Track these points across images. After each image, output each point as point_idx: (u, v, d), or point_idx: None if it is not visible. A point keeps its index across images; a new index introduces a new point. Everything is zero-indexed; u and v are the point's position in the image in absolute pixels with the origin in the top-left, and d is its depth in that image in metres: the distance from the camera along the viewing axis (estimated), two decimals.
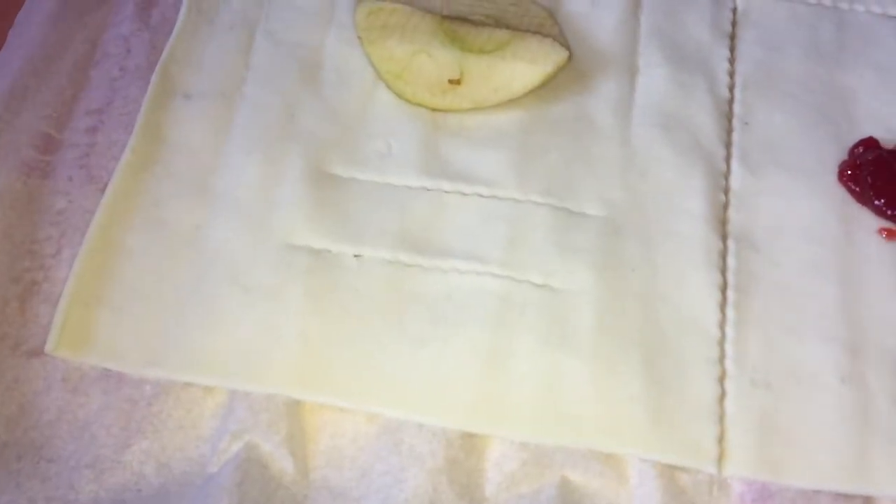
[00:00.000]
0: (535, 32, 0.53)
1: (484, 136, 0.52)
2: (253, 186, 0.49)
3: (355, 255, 0.48)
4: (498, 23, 0.54)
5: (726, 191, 0.50)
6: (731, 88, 0.54)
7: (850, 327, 0.45)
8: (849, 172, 0.49)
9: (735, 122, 0.53)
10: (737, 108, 0.53)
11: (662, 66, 0.54)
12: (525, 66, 0.51)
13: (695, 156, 0.51)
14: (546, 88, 0.53)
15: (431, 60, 0.52)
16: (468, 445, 0.44)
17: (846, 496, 0.42)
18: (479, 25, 0.53)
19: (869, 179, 0.48)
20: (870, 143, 0.50)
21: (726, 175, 0.51)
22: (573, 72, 0.54)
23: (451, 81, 0.52)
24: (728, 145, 0.52)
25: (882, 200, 0.48)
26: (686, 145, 0.51)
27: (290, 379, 0.44)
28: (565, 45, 0.53)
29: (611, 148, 0.51)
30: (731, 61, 0.55)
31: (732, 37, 0.56)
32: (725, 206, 0.50)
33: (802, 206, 0.49)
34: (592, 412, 0.43)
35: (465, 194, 0.50)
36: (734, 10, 0.57)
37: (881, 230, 0.48)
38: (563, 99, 0.53)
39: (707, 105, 0.53)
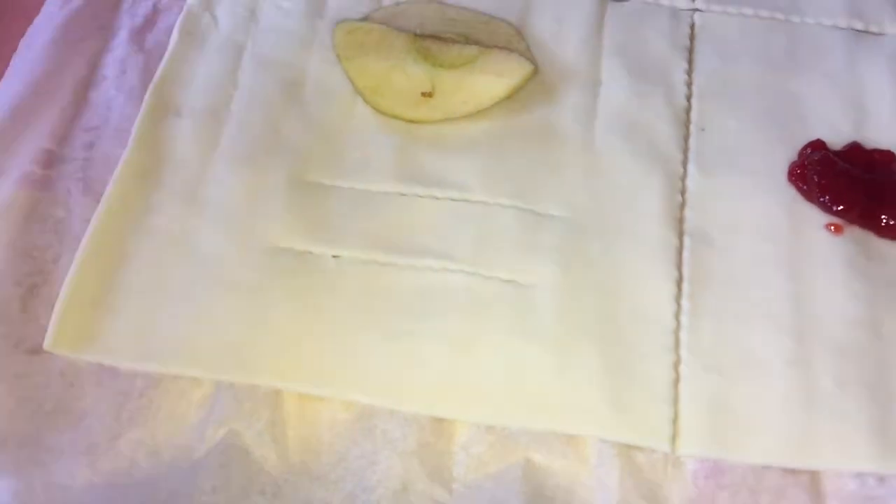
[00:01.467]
0: (503, 48, 0.57)
1: (455, 145, 0.55)
2: (239, 195, 0.53)
3: (334, 256, 0.51)
4: (468, 40, 0.57)
5: (683, 192, 0.53)
6: (689, 97, 0.57)
7: (797, 316, 0.48)
8: (798, 172, 0.52)
9: (692, 129, 0.56)
10: (693, 115, 0.56)
11: (624, 78, 0.58)
12: (492, 79, 0.55)
13: (653, 160, 0.54)
14: (514, 100, 0.56)
15: (405, 75, 0.55)
16: (438, 430, 0.46)
17: (793, 471, 0.45)
18: (449, 42, 0.57)
19: (816, 178, 0.51)
20: (817, 145, 0.53)
21: (683, 178, 0.54)
22: (540, 84, 0.57)
23: (423, 94, 0.55)
24: (685, 150, 0.55)
25: (827, 197, 0.51)
26: (645, 151, 0.55)
27: (271, 370, 0.47)
28: (531, 59, 0.57)
29: (574, 154, 0.55)
30: (689, 72, 0.58)
31: (690, 50, 0.59)
32: (682, 206, 0.53)
33: (754, 205, 0.52)
34: (554, 397, 0.46)
35: (437, 198, 0.53)
36: (692, 26, 0.60)
37: (828, 225, 0.51)
38: (530, 109, 0.56)
39: (665, 113, 0.56)
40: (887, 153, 0.52)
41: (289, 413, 0.47)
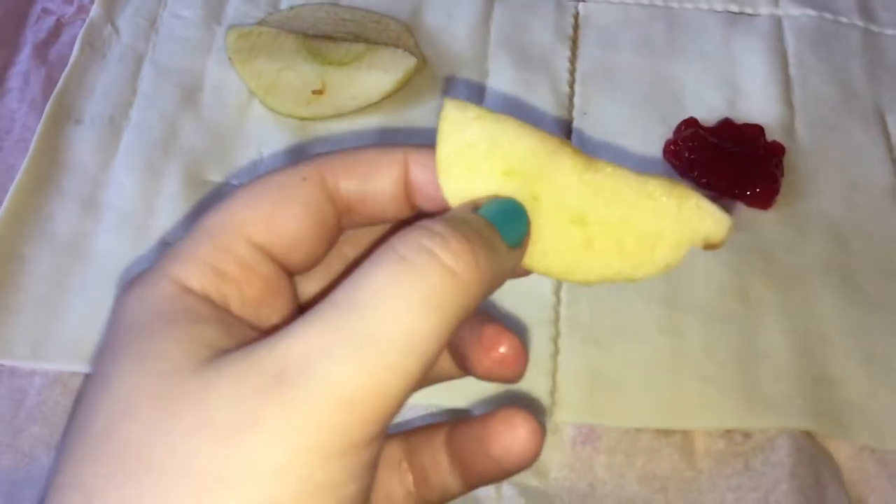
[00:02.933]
0: (390, 44, 0.59)
1: (347, 140, 0.57)
2: (136, 197, 0.54)
3: None
4: (358, 38, 0.60)
5: None
6: (572, 84, 0.59)
7: (669, 286, 0.50)
8: (672, 149, 0.55)
9: (575, 114, 0.58)
10: (577, 101, 0.59)
11: (510, 68, 0.60)
12: (379, 75, 0.57)
13: None
14: (404, 93, 0.59)
15: (296, 75, 0.57)
16: None
17: (666, 432, 0.47)
18: (339, 41, 0.59)
19: (687, 154, 0.54)
20: (690, 123, 0.55)
21: None
22: (429, 78, 0.60)
23: (314, 92, 0.57)
24: (568, 134, 0.57)
25: (696, 172, 0.53)
26: None
27: None
28: (417, 53, 0.59)
29: None
30: (572, 61, 0.60)
31: (574, 39, 0.62)
32: None
33: None
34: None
35: None
36: (576, 16, 0.63)
37: None
38: (421, 102, 0.59)
39: (549, 100, 0.58)
40: (756, 127, 0.55)
41: None
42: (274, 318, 0.30)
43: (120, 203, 0.54)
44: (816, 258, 0.51)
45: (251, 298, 0.29)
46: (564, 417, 0.47)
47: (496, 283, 0.28)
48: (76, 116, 0.58)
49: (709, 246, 0.29)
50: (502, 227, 0.28)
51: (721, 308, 0.49)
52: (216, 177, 0.56)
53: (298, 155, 0.56)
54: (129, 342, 0.27)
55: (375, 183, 0.30)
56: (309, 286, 0.33)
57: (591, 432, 0.47)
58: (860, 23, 0.61)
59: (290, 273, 0.31)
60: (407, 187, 0.31)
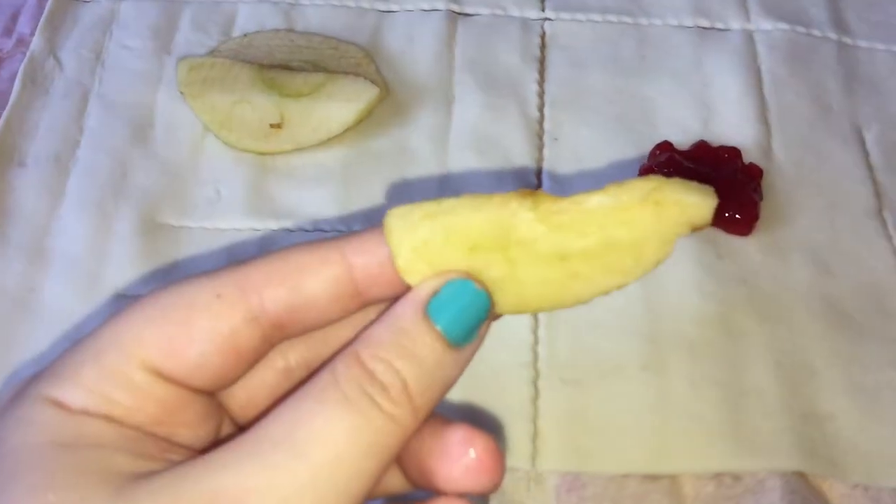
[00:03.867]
0: (350, 73, 0.56)
1: (309, 174, 0.54)
2: (86, 243, 0.51)
3: None
4: (316, 67, 0.57)
5: None
6: (541, 108, 0.57)
7: (649, 319, 0.48)
8: (646, 174, 0.53)
9: (545, 139, 0.56)
10: (547, 125, 0.56)
11: (476, 93, 0.57)
12: (339, 105, 0.54)
13: (506, 173, 0.54)
14: (367, 124, 0.56)
15: (252, 108, 0.55)
16: None
17: (653, 477, 0.45)
18: (296, 71, 0.56)
19: None
20: (665, 147, 0.53)
21: (537, 189, 0.54)
22: (392, 106, 0.57)
23: (272, 126, 0.54)
24: (539, 161, 0.55)
25: None
26: (499, 164, 0.54)
27: None
28: (378, 82, 0.56)
29: (428, 174, 0.54)
30: (541, 83, 0.58)
31: (542, 60, 0.59)
32: None
33: None
34: None
35: (290, 231, 0.52)
36: (542, 35, 0.60)
37: None
38: (383, 132, 0.56)
39: (518, 125, 0.56)
40: (732, 149, 0.53)
41: None
42: (187, 440, 0.28)
43: (69, 250, 0.51)
44: (799, 285, 0.49)
45: (148, 423, 0.26)
46: (548, 465, 0.45)
47: (443, 395, 0.27)
48: (19, 158, 0.55)
49: (696, 229, 0.29)
50: (457, 324, 0.27)
51: (705, 341, 0.48)
52: (171, 219, 0.53)
53: (258, 192, 0.54)
54: (16, 472, 0.24)
55: (308, 289, 0.27)
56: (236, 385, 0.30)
57: (575, 480, 0.45)
58: (833, 36, 0.60)
59: (197, 392, 0.28)
60: (355, 283, 0.28)
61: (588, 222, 0.28)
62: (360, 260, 0.28)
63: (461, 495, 0.27)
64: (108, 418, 0.25)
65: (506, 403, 0.46)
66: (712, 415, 0.45)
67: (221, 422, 0.29)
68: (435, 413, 0.28)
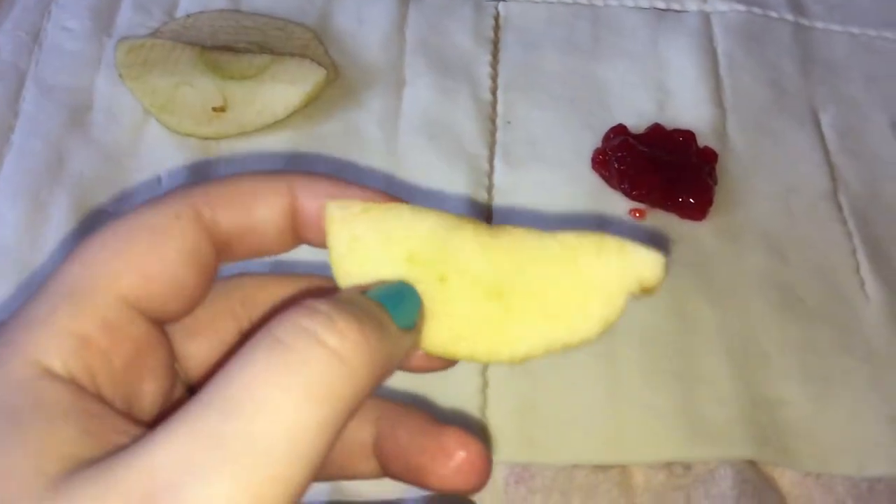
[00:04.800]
0: (297, 54, 0.54)
1: (254, 159, 0.53)
2: (18, 231, 0.49)
3: None
4: (262, 48, 0.55)
5: (489, 188, 0.52)
6: (494, 91, 0.56)
7: None
8: (600, 159, 0.52)
9: (498, 122, 0.55)
10: (500, 108, 0.55)
11: (427, 75, 0.56)
12: (285, 88, 0.53)
13: (458, 158, 0.53)
14: (315, 107, 0.54)
15: (194, 90, 0.53)
16: None
17: (603, 467, 0.44)
18: (240, 52, 0.54)
19: (616, 164, 0.51)
20: (619, 130, 0.52)
21: (489, 174, 0.53)
22: (341, 89, 0.55)
23: (215, 109, 0.53)
24: (491, 145, 0.54)
25: (626, 184, 0.50)
26: (450, 149, 0.53)
27: None
28: (326, 64, 0.54)
29: (377, 159, 0.53)
30: (494, 65, 0.57)
31: (495, 42, 0.58)
32: (489, 203, 0.52)
33: (560, 195, 0.51)
34: None
35: None
36: (496, 17, 0.59)
37: (632, 211, 0.50)
38: (332, 116, 0.54)
39: (470, 109, 0.55)
40: (687, 133, 0.52)
41: None
42: (149, 394, 0.27)
43: (1, 238, 0.49)
44: (753, 271, 0.49)
45: (121, 368, 0.25)
46: (496, 456, 0.44)
47: (389, 367, 0.24)
48: None
49: (645, 290, 0.26)
50: (393, 308, 0.25)
51: (657, 328, 0.47)
52: (110, 206, 0.51)
53: (200, 178, 0.52)
54: None
55: (257, 214, 0.27)
56: (192, 346, 0.29)
57: (524, 471, 0.44)
58: (790, 17, 0.59)
59: (163, 322, 0.27)
60: (294, 219, 0.28)
61: (531, 257, 0.26)
62: (306, 200, 0.27)
63: (450, 491, 0.27)
64: (79, 379, 0.24)
65: (454, 393, 0.45)
66: (664, 403, 0.44)
67: (175, 384, 0.28)
68: (428, 413, 0.28)
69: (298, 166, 0.52)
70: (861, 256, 0.49)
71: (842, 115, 0.55)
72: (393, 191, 0.53)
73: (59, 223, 0.50)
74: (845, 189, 0.52)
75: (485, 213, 0.51)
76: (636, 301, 0.27)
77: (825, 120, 0.55)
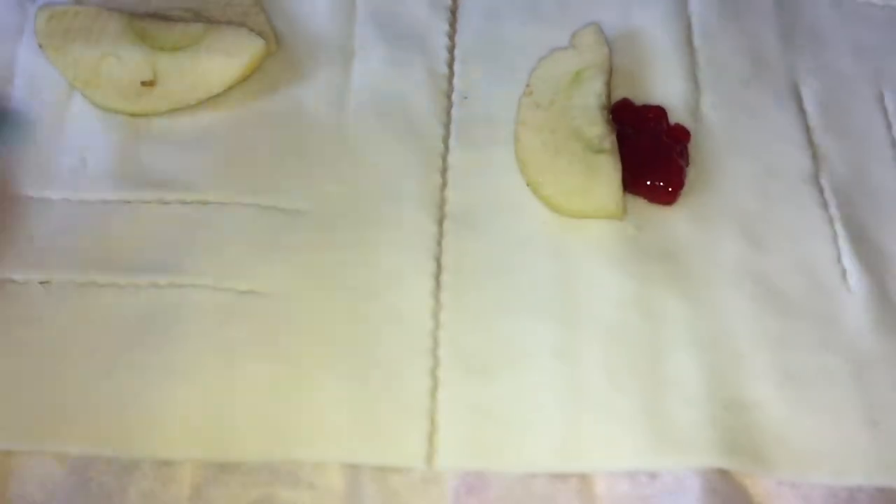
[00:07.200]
0: (236, 23, 0.50)
1: (188, 139, 0.48)
2: None
3: (42, 283, 0.44)
4: (198, 16, 0.50)
5: (444, 171, 0.48)
6: (451, 63, 0.52)
7: (563, 301, 0.44)
8: None
9: (455, 98, 0.50)
10: (457, 82, 0.51)
11: (378, 46, 0.52)
12: (221, 60, 0.48)
13: (411, 138, 0.49)
14: (255, 81, 0.50)
15: (120, 63, 0.48)
16: (164, 475, 0.40)
17: (562, 476, 0.40)
18: (172, 21, 0.50)
19: None
20: None
21: (444, 154, 0.49)
22: (285, 61, 0.51)
23: (144, 83, 0.48)
24: (447, 123, 0.50)
25: None
26: (402, 128, 0.49)
27: None
28: (267, 34, 0.50)
29: (324, 138, 0.49)
30: (451, 35, 0.53)
31: (453, 10, 0.54)
32: (443, 187, 0.47)
33: (517, 181, 0.47)
34: (293, 422, 0.41)
35: (166, 203, 0.46)
36: None
37: None
38: (274, 91, 0.50)
39: (424, 83, 0.50)
40: (657, 109, 0.48)
41: None
42: None
43: None
44: (727, 260, 0.45)
45: None
46: (446, 464, 0.40)
47: None
48: None
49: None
50: None
51: (622, 324, 0.43)
52: (30, 189, 0.47)
53: (129, 158, 0.48)
54: None
55: None
56: None
57: (477, 480, 0.40)
58: None
59: None
60: None
61: None
62: None
63: None
64: None
65: (399, 396, 0.41)
66: (628, 406, 0.41)
67: None
68: None
69: (236, 145, 0.48)
70: (843, 244, 0.46)
71: (825, 89, 0.51)
72: (339, 172, 0.49)
73: None
74: (828, 171, 0.48)
75: (437, 200, 0.47)
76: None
77: (807, 94, 0.51)
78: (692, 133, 0.48)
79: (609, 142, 0.45)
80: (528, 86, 0.49)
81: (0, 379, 0.41)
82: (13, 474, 0.40)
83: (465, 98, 0.50)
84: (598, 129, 0.46)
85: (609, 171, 0.45)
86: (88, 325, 0.43)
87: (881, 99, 0.52)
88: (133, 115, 0.49)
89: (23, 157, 0.47)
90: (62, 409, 0.41)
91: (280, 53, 0.51)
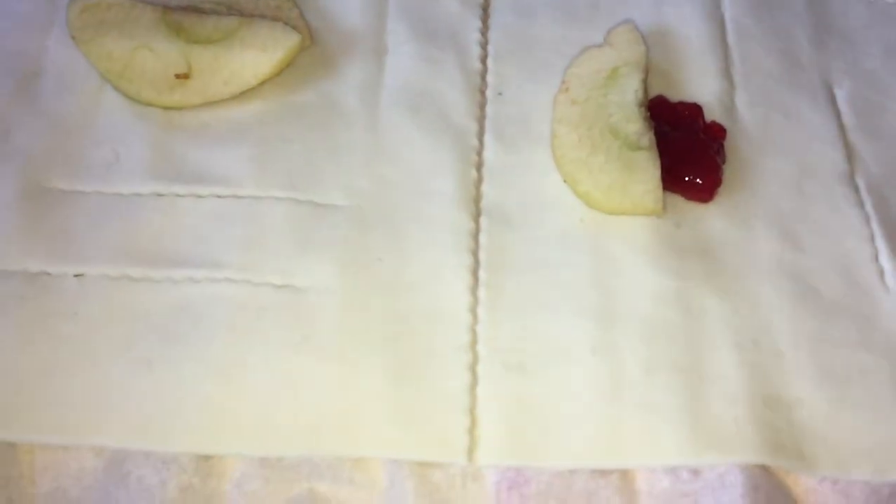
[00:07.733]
0: (268, 17, 0.50)
1: (221, 132, 0.48)
2: None
3: (76, 275, 0.43)
4: (230, 9, 0.50)
5: (479, 167, 0.48)
6: (484, 60, 0.52)
7: (600, 297, 0.44)
8: None
9: (488, 94, 0.50)
10: (490, 79, 0.51)
11: (411, 42, 0.52)
12: (255, 54, 0.48)
13: (445, 134, 0.49)
14: (288, 76, 0.50)
15: (154, 55, 0.48)
16: (204, 470, 0.40)
17: (603, 472, 0.40)
18: (206, 14, 0.49)
19: None
20: None
21: (479, 151, 0.49)
22: (318, 56, 0.51)
23: (178, 76, 0.48)
24: (481, 119, 0.50)
25: None
26: (436, 124, 0.49)
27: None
28: (301, 28, 0.50)
29: (357, 134, 0.49)
30: (484, 32, 0.53)
31: (485, 7, 0.54)
32: (478, 183, 0.47)
33: (553, 177, 0.47)
34: (337, 416, 0.40)
35: (200, 196, 0.46)
36: None
37: None
38: (307, 86, 0.50)
39: (457, 79, 0.50)
40: (693, 106, 0.48)
41: (28, 467, 0.40)
42: None
43: None
44: (764, 258, 0.45)
45: None
46: (487, 460, 0.40)
47: None
48: None
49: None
50: None
51: (661, 320, 0.43)
52: (62, 183, 0.46)
53: (162, 152, 0.47)
54: None
55: None
56: None
57: (517, 476, 0.40)
58: None
59: None
60: None
61: None
62: None
63: None
64: None
65: (439, 391, 0.41)
66: (668, 402, 0.41)
67: None
68: None
69: (270, 139, 0.48)
70: (880, 243, 0.46)
71: (858, 90, 0.51)
72: (373, 167, 0.49)
73: (4, 201, 0.45)
74: (863, 170, 0.48)
75: (473, 195, 0.47)
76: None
77: (841, 95, 0.51)
78: (728, 131, 0.48)
79: (648, 139, 0.45)
80: (563, 82, 0.49)
81: (35, 372, 0.41)
82: (46, 470, 0.40)
83: (500, 94, 0.50)
84: (635, 125, 0.46)
85: (649, 168, 0.45)
86: (124, 318, 0.42)
87: None
88: (166, 108, 0.48)
89: (55, 150, 0.47)
90: (99, 402, 0.40)
91: (313, 48, 0.51)
